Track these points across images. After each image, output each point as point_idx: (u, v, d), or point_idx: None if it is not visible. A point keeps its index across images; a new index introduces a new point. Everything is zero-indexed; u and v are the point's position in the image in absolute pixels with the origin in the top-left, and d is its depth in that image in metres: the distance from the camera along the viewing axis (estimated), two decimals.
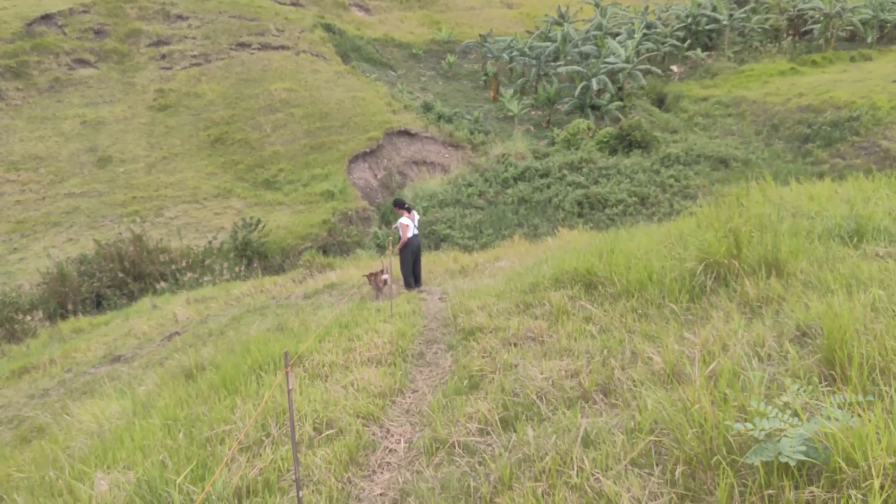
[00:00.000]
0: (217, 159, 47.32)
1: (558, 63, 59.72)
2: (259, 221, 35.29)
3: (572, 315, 6.08)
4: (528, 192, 42.13)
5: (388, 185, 47.25)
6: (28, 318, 27.35)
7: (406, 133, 50.07)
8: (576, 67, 55.46)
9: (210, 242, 34.79)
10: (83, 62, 55.20)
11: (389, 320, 7.99)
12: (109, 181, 44.53)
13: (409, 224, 12.56)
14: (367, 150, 47.66)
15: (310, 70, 56.16)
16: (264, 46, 58.95)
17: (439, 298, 10.01)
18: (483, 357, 5.66)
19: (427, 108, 54.41)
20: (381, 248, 37.75)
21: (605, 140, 47.34)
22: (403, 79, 64.22)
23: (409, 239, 12.61)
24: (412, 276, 12.94)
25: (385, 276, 14.03)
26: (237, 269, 31.70)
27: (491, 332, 6.32)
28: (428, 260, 16.03)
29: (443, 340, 7.04)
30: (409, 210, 12.75)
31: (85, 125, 49.12)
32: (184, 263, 31.43)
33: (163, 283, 30.05)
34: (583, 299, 6.37)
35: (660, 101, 60.62)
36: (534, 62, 60.75)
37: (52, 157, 45.88)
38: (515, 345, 5.75)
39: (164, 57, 57.17)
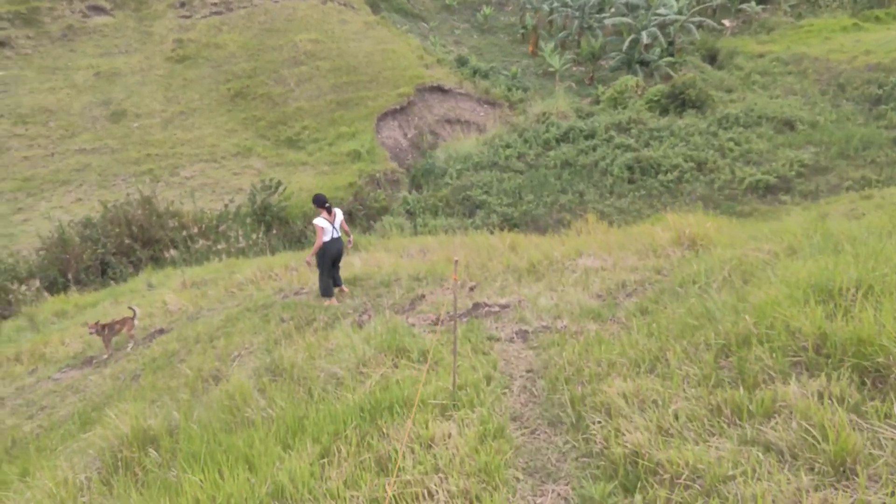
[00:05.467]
0: (237, 115, 44.17)
1: (603, 14, 55.46)
2: (280, 183, 32.28)
3: (874, 462, 2.84)
4: (572, 154, 38.58)
5: (419, 145, 43.85)
6: (24, 287, 24.71)
7: (439, 89, 46.46)
8: (623, 19, 51.19)
9: (226, 206, 31.85)
10: (98, 9, 51.96)
11: (452, 408, 4.58)
12: (123, 137, 41.63)
13: (325, 226, 10.94)
14: (397, 108, 44.20)
15: (337, 20, 52.45)
16: None
17: (518, 335, 6.60)
18: None
19: (461, 62, 50.67)
20: (410, 215, 34.64)
21: (656, 99, 43.52)
22: (436, 31, 60.30)
23: (326, 244, 10.94)
24: (331, 284, 11.20)
25: (136, 322, 12.65)
26: (254, 236, 28.74)
27: (681, 483, 3.08)
28: (476, 244, 12.72)
29: (563, 473, 3.65)
30: (329, 210, 11.13)
31: (98, 76, 46.10)
32: (196, 229, 28.52)
33: (172, 252, 27.28)
34: (873, 417, 3.11)
35: (711, 58, 56.14)
36: (577, 14, 56.41)
37: (62, 111, 43.01)
38: None
39: (183, 5, 53.76)
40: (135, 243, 27.40)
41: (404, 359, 5.98)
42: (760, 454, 3.10)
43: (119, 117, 43.18)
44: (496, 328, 7.03)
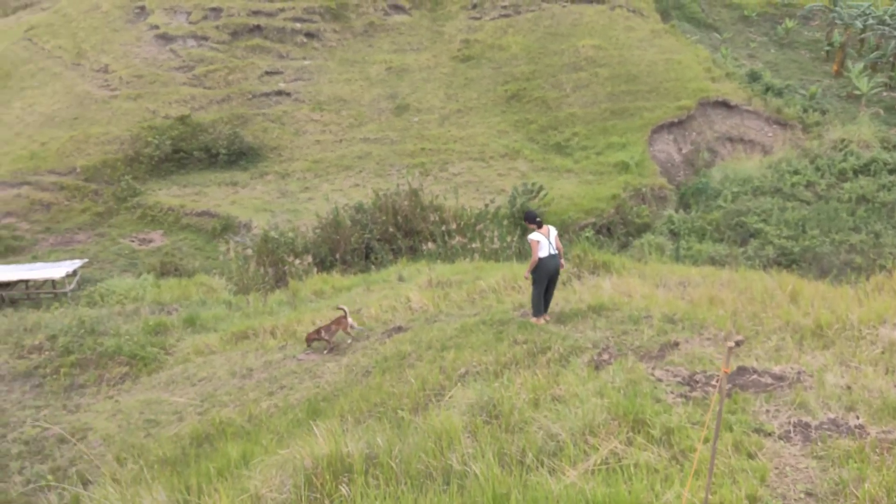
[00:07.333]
0: (510, 117, 44.72)
1: None
2: (541, 188, 31.99)
3: None
4: (871, 189, 34.02)
5: (694, 162, 41.18)
6: (298, 261, 26.96)
7: (724, 104, 43.27)
8: None
9: (487, 205, 32.18)
10: (398, 8, 55.48)
11: None
12: (403, 130, 44.02)
13: (540, 240, 10.74)
14: (675, 121, 41.88)
15: (623, 27, 50.97)
16: None
17: (796, 429, 5.01)
18: None
19: (753, 77, 46.73)
20: (674, 235, 32.57)
21: None
22: (729, 43, 56.31)
23: (543, 260, 10.67)
24: (542, 304, 10.95)
25: (351, 321, 12.80)
26: (508, 238, 28.69)
27: None
28: (748, 284, 10.92)
29: None
30: (539, 225, 10.98)
31: (389, 71, 49.19)
32: (454, 225, 29.13)
33: (430, 244, 28.12)
34: None
35: None
36: (894, 33, 49.48)
37: (354, 101, 46.49)
38: None
39: (474, 6, 55.61)
40: (398, 232, 28.57)
41: (642, 434, 4.87)
42: None
43: (402, 111, 45.70)
44: (766, 412, 5.50)
